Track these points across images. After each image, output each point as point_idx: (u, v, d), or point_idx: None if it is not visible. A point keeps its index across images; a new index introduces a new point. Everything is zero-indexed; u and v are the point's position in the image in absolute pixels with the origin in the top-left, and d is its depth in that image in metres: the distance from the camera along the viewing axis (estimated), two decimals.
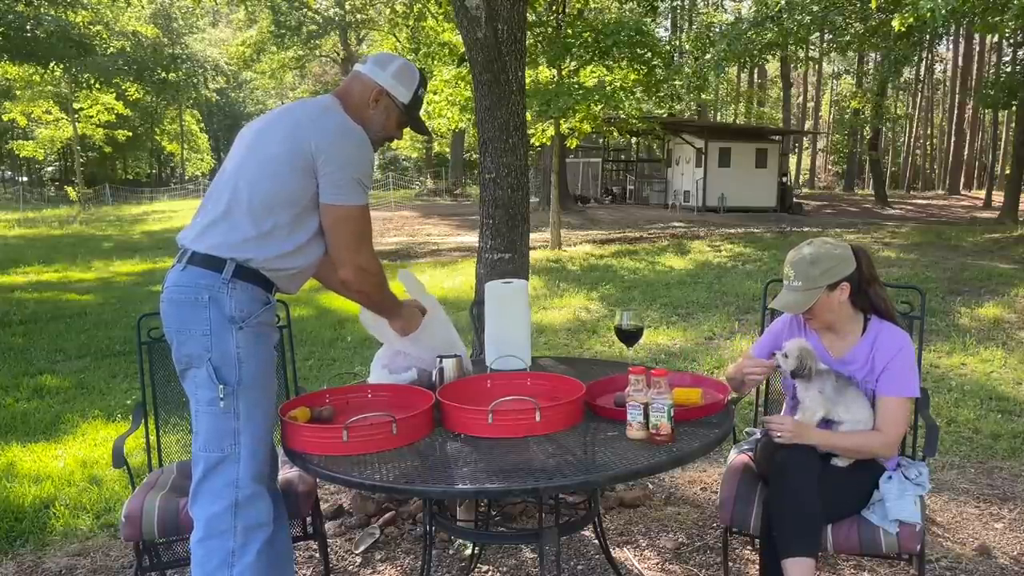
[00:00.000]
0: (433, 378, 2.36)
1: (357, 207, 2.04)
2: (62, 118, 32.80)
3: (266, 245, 2.01)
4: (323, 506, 3.18)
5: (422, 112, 2.36)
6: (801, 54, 23.96)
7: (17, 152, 37.40)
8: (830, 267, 2.26)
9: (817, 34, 19.56)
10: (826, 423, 2.30)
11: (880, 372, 2.28)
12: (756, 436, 2.61)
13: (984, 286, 9.26)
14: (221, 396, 1.95)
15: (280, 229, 2.02)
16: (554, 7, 13.21)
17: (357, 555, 3.07)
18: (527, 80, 8.36)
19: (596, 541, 2.82)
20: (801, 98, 47.80)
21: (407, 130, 2.30)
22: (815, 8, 14.17)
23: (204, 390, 1.97)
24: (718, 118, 45.83)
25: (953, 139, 42.59)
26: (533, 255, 7.91)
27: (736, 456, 2.58)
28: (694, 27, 30.40)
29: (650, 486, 3.67)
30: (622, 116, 15.18)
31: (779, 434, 2.20)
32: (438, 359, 2.37)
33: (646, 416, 1.95)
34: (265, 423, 2.04)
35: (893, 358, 2.26)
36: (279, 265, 2.04)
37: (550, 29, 13.16)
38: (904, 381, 2.26)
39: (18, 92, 28.59)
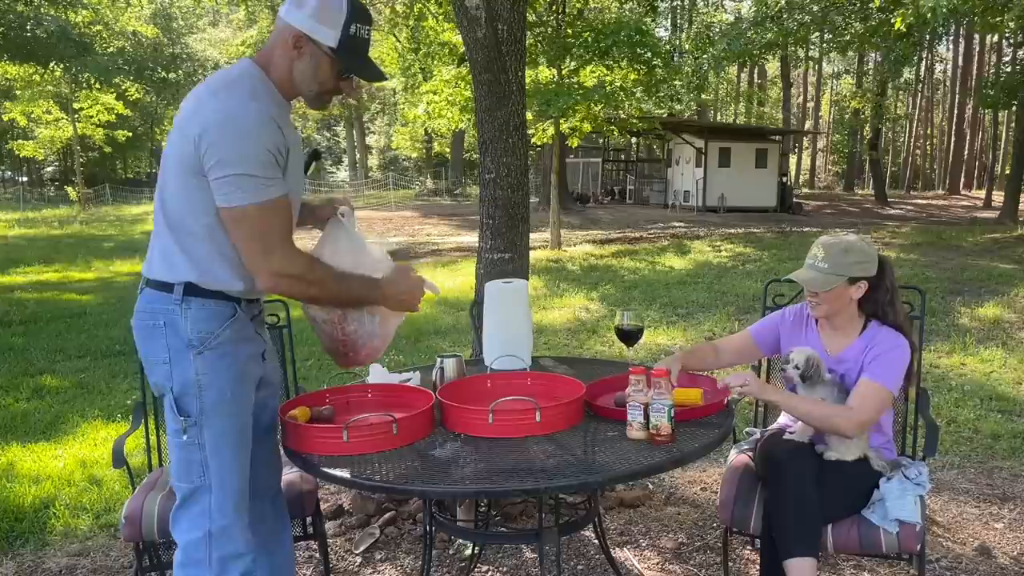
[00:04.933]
0: (433, 377, 2.36)
1: (250, 207, 1.73)
2: (62, 118, 32.75)
3: (196, 262, 1.81)
4: (323, 506, 3.17)
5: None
6: (801, 54, 23.99)
7: (17, 152, 37.31)
8: (860, 261, 2.27)
9: (817, 34, 19.55)
10: (817, 432, 2.31)
11: (870, 361, 2.27)
12: (756, 436, 2.62)
13: (984, 286, 9.26)
14: (183, 428, 1.83)
15: (201, 244, 1.80)
16: (554, 7, 13.20)
17: (357, 555, 3.07)
18: (527, 80, 8.36)
19: (596, 541, 2.82)
20: (801, 98, 47.80)
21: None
22: (815, 8, 14.17)
23: (170, 419, 1.86)
24: (718, 118, 45.83)
25: (953, 139, 42.59)
26: (533, 255, 7.92)
27: (736, 456, 2.58)
28: (694, 27, 30.37)
29: (650, 486, 3.67)
30: (622, 116, 15.18)
31: (740, 389, 2.17)
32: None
33: (646, 416, 1.95)
34: (234, 452, 1.89)
35: (884, 351, 2.26)
36: (227, 288, 1.84)
37: (550, 29, 13.15)
38: (887, 371, 2.24)
39: (18, 92, 28.58)
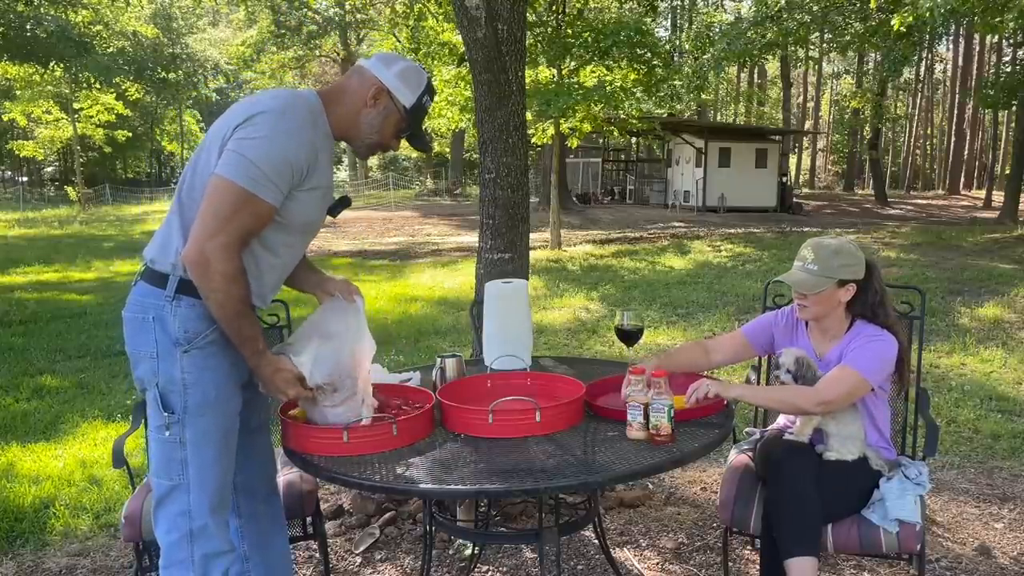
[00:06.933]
0: (433, 377, 2.37)
1: (236, 186, 1.74)
2: (62, 118, 32.80)
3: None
4: (323, 506, 3.18)
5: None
6: (801, 54, 23.96)
7: (17, 152, 37.38)
8: (849, 263, 2.28)
9: (817, 34, 19.57)
10: (817, 432, 2.32)
11: (850, 352, 2.27)
12: (756, 436, 2.62)
13: (984, 286, 9.26)
14: (166, 424, 1.85)
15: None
16: (554, 7, 13.21)
17: (357, 555, 3.07)
18: (527, 80, 8.36)
19: (596, 541, 2.82)
20: (801, 98, 47.79)
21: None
22: (815, 8, 14.18)
23: (153, 414, 1.88)
24: (718, 118, 45.84)
25: (953, 139, 42.56)
26: (533, 255, 7.92)
27: (736, 456, 2.58)
28: (694, 27, 30.38)
29: (650, 486, 3.67)
30: (622, 116, 15.17)
31: (707, 393, 2.15)
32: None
33: (646, 416, 1.95)
34: (215, 453, 1.90)
35: (864, 343, 2.26)
36: None
37: (550, 29, 13.16)
38: (864, 359, 2.22)
39: (18, 92, 28.60)
